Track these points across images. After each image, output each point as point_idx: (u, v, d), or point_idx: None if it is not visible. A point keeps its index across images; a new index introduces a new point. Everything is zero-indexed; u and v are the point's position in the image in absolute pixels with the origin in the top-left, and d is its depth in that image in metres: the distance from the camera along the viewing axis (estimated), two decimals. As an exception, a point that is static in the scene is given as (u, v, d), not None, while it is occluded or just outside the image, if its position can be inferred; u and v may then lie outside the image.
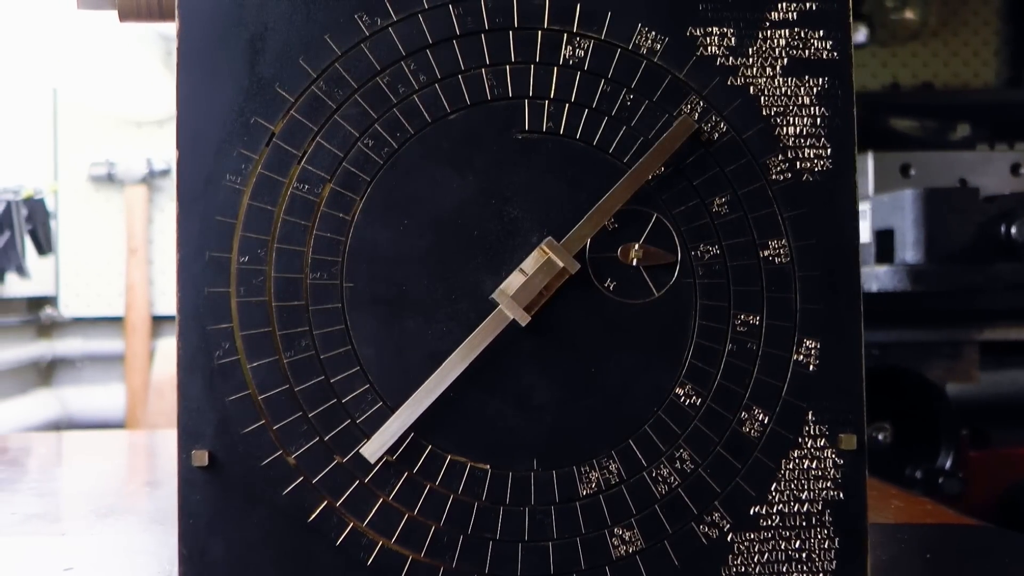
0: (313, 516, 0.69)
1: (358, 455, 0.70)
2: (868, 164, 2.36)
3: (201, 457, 0.68)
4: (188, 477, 0.69)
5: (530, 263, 0.71)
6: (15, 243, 3.56)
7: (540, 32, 0.72)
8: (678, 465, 0.72)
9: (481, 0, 0.72)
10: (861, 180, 2.38)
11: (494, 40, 0.72)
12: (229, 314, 0.69)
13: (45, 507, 1.15)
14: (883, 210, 2.18)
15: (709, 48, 0.73)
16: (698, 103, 0.73)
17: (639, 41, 0.73)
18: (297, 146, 0.70)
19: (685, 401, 0.72)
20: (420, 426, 0.70)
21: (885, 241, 2.17)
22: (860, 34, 3.13)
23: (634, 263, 0.72)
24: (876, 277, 2.10)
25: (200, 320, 0.69)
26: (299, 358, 0.70)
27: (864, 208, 2.26)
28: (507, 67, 0.72)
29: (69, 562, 0.88)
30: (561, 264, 0.70)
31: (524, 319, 0.70)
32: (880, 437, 2.28)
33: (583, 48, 0.72)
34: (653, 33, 0.73)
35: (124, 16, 0.76)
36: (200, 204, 0.69)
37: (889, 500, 1.15)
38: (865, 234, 2.23)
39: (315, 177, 0.70)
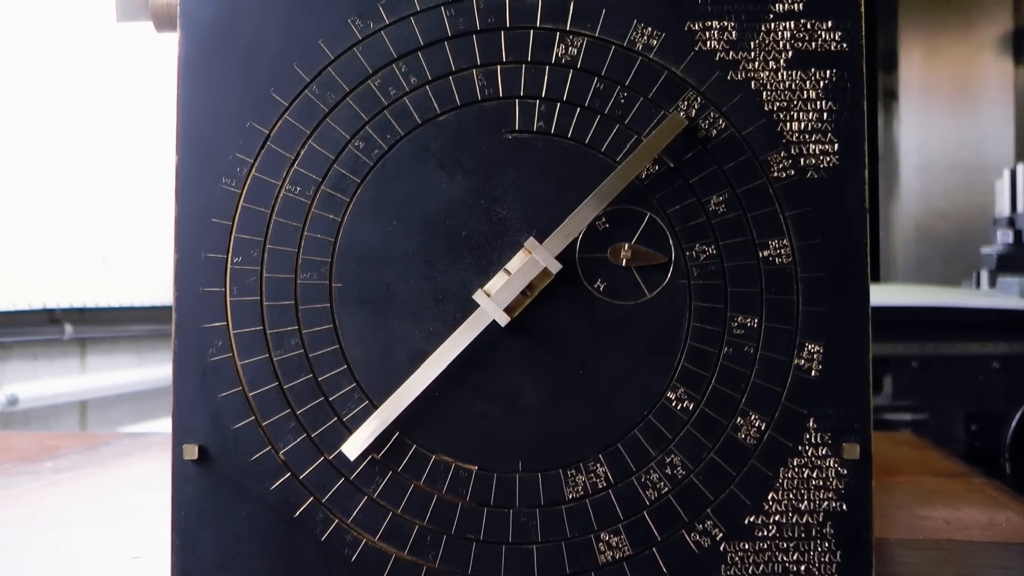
0: (299, 511, 0.71)
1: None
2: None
3: (192, 451, 0.71)
4: (181, 470, 0.71)
5: (515, 263, 0.70)
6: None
7: (532, 31, 0.72)
8: (669, 471, 0.70)
9: (473, 1, 0.72)
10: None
11: (485, 41, 0.72)
12: (223, 313, 0.71)
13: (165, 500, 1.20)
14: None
15: (708, 43, 0.71)
16: (696, 99, 0.71)
17: (634, 37, 0.71)
18: (290, 149, 0.72)
19: (677, 405, 0.70)
20: (406, 425, 0.71)
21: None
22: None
23: (623, 263, 0.71)
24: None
25: (195, 318, 0.71)
26: (288, 356, 0.71)
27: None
28: (498, 67, 0.72)
29: (144, 551, 0.92)
30: (542, 264, 0.69)
31: (504, 320, 0.69)
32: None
33: (576, 46, 0.72)
34: (649, 29, 0.71)
35: (160, 27, 0.79)
36: (197, 206, 0.72)
37: (1001, 513, 1.09)
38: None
39: (307, 179, 0.72)
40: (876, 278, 3.51)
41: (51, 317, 3.16)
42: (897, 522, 1.08)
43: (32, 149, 3.01)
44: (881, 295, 2.64)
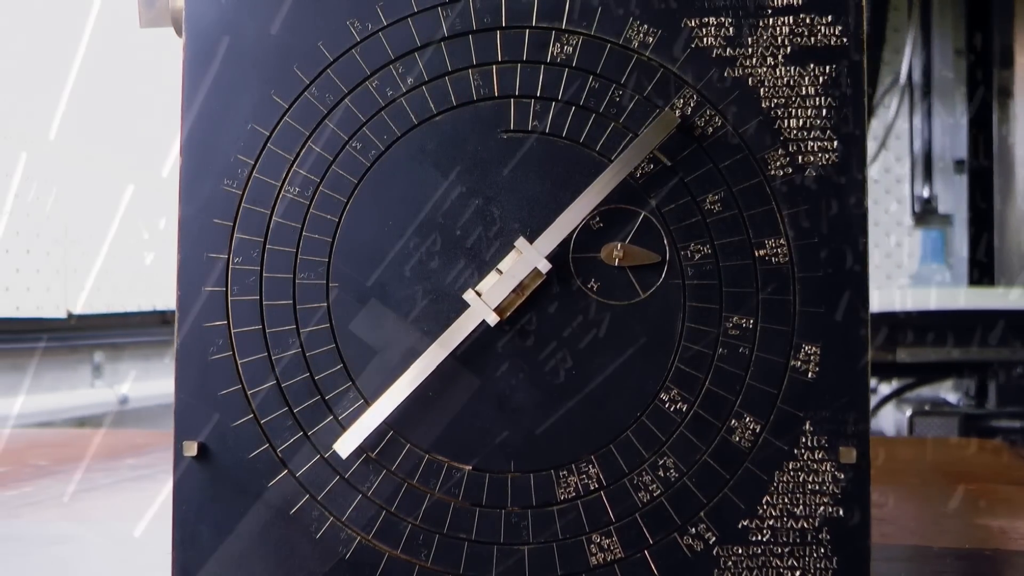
0: (295, 508, 0.72)
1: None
2: None
3: (191, 448, 0.72)
4: (181, 467, 0.72)
5: (506, 263, 0.70)
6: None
7: (528, 31, 0.72)
8: (661, 473, 0.69)
9: (470, 1, 0.72)
10: None
11: (481, 41, 0.72)
12: (224, 312, 0.73)
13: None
14: None
15: (705, 39, 0.70)
16: (692, 97, 0.70)
17: (630, 35, 0.71)
18: (289, 150, 0.73)
19: (670, 407, 0.69)
20: (399, 424, 0.71)
21: None
22: None
23: (616, 263, 0.70)
24: None
25: (197, 317, 0.73)
26: (286, 355, 0.72)
27: None
28: (494, 67, 0.72)
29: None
30: (532, 264, 0.69)
31: (493, 319, 0.69)
32: None
33: (571, 45, 0.71)
34: (645, 27, 0.71)
35: (180, 32, 0.80)
36: (200, 207, 0.73)
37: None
38: None
39: (305, 180, 0.72)
40: (991, 281, 3.42)
41: (162, 319, 3.24)
42: (949, 530, 1.05)
43: (143, 153, 3.09)
44: (986, 299, 2.57)
